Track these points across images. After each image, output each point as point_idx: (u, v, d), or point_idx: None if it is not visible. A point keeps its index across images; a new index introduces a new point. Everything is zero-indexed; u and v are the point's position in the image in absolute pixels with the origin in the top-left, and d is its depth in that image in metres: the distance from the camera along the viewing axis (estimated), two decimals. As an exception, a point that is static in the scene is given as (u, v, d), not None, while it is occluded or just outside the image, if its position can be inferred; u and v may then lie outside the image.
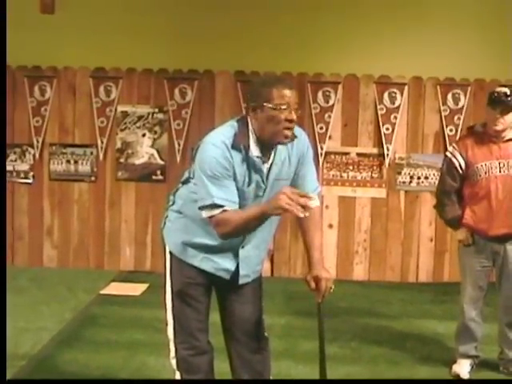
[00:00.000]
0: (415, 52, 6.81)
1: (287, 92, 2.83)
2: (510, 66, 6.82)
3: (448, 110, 6.89)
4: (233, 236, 2.90)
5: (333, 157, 7.00)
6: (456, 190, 4.25)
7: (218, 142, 2.87)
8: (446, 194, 4.29)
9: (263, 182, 2.96)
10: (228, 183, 2.85)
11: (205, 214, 2.87)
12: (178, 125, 6.98)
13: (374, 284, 6.89)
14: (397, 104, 6.92)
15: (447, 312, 5.56)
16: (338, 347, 4.81)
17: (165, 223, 3.27)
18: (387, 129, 6.90)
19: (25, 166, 7.13)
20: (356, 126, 7.00)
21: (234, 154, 2.86)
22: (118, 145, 7.11)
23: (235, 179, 2.88)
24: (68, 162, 7.15)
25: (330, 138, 6.96)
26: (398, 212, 7.03)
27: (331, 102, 6.95)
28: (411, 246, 7.04)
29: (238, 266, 3.10)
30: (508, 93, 4.07)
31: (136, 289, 6.36)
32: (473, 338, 4.34)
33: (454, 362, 4.39)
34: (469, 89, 6.87)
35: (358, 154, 6.98)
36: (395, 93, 6.90)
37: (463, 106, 6.88)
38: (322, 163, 6.96)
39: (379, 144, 6.95)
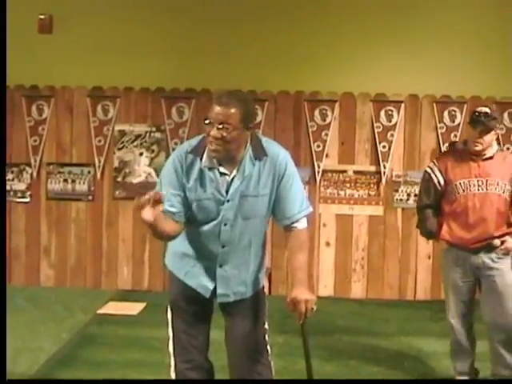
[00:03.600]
0: (411, 70, 6.85)
1: (216, 108, 2.87)
2: (506, 84, 6.86)
3: (444, 128, 6.92)
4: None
5: (330, 175, 7.01)
6: (433, 205, 4.29)
7: (176, 151, 3.08)
8: (422, 210, 4.34)
9: (221, 194, 2.99)
10: (171, 192, 2.97)
11: None
12: (176, 143, 6.99)
13: (371, 302, 6.88)
14: (393, 122, 6.94)
15: (445, 330, 5.53)
16: (336, 366, 4.80)
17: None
18: (384, 146, 6.92)
19: (22, 186, 7.13)
20: (353, 144, 7.02)
21: (189, 160, 3.00)
22: (116, 164, 7.12)
23: (187, 187, 2.99)
24: (65, 181, 7.15)
25: (327, 156, 6.98)
26: (396, 230, 7.03)
27: (328, 120, 6.97)
28: (409, 264, 7.03)
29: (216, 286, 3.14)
30: (488, 112, 4.10)
31: (133, 308, 6.33)
32: (467, 354, 4.31)
33: (453, 380, 4.36)
34: (465, 106, 6.90)
35: (355, 172, 6.99)
36: (392, 111, 6.93)
37: (459, 124, 6.90)
38: (319, 181, 6.98)
39: (376, 162, 6.96)
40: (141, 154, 7.11)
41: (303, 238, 3.14)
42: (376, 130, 6.95)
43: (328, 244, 7.07)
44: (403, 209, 7.00)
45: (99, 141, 7.08)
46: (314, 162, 6.92)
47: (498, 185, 4.13)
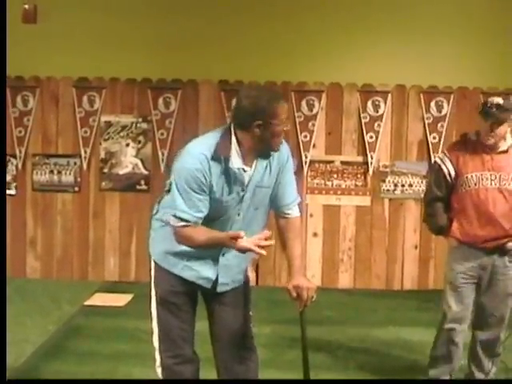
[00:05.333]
0: (398, 60, 6.85)
1: (286, 107, 2.99)
2: (493, 75, 6.87)
3: (431, 118, 6.93)
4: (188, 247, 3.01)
5: (317, 165, 7.01)
6: (443, 199, 4.03)
7: (196, 153, 2.93)
8: (432, 203, 4.07)
9: (243, 190, 3.01)
10: (198, 198, 2.91)
11: (171, 221, 2.96)
12: (162, 134, 6.96)
13: (359, 292, 6.89)
14: (380, 112, 6.94)
15: (432, 319, 5.53)
16: (324, 356, 4.80)
17: (150, 233, 3.27)
18: (371, 137, 6.92)
19: (7, 177, 7.07)
20: (340, 135, 7.02)
21: (212, 166, 2.91)
22: (102, 155, 7.08)
23: (212, 190, 2.93)
24: (51, 172, 7.10)
25: (314, 146, 6.97)
26: (383, 220, 7.04)
27: (315, 111, 6.96)
28: (396, 254, 7.05)
29: (218, 274, 3.11)
30: (501, 103, 3.86)
31: (120, 299, 6.31)
32: (448, 364, 4.08)
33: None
34: (452, 96, 6.91)
35: (342, 163, 6.99)
36: (379, 101, 6.93)
37: (446, 114, 6.91)
38: (306, 172, 6.97)
39: (363, 152, 6.96)
40: (127, 145, 7.07)
41: (299, 226, 3.23)
42: (363, 121, 6.94)
43: (315, 234, 7.07)
44: (390, 199, 7.01)
45: (85, 132, 7.03)
46: (301, 152, 6.91)
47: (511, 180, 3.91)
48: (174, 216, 2.93)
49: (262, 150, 3.00)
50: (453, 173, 3.97)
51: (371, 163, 6.92)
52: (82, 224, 7.16)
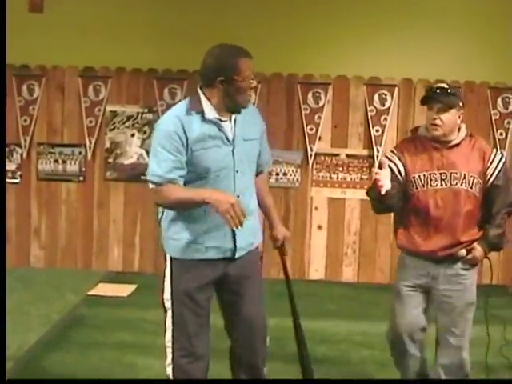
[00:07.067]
0: (406, 54, 6.82)
1: (252, 62, 3.05)
2: (500, 69, 6.84)
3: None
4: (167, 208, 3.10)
5: (322, 158, 6.98)
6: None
7: (169, 116, 3.08)
8: (382, 204, 3.57)
9: (229, 141, 3.07)
10: (171, 158, 2.97)
11: (149, 186, 3.09)
12: (168, 125, 6.94)
13: (363, 286, 6.88)
14: (387, 106, 6.91)
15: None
16: (327, 349, 4.80)
17: (162, 235, 3.26)
18: (377, 130, 6.89)
19: (12, 166, 7.07)
20: (346, 128, 6.99)
21: (188, 122, 3.00)
22: (107, 145, 7.07)
23: (196, 147, 3.00)
24: (56, 161, 7.10)
25: (319, 139, 6.95)
26: (388, 214, 6.99)
27: (321, 103, 6.94)
28: (400, 248, 7.03)
29: (235, 243, 3.13)
30: (446, 87, 3.47)
31: (124, 289, 6.32)
32: (415, 360, 3.74)
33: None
34: (460, 91, 6.86)
35: (348, 156, 6.97)
36: (385, 94, 6.90)
37: (453, 108, 6.87)
38: (312, 164, 6.95)
39: (369, 145, 6.94)
40: (132, 135, 7.06)
41: (268, 181, 3.56)
42: (369, 114, 6.92)
43: (320, 227, 7.06)
44: (395, 193, 6.98)
45: (90, 121, 7.02)
46: (306, 145, 6.89)
47: (464, 178, 3.46)
48: (148, 180, 3.07)
49: (230, 106, 3.04)
50: (403, 171, 3.53)
51: (377, 157, 6.89)
52: (87, 214, 7.15)
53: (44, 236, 7.17)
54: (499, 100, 6.87)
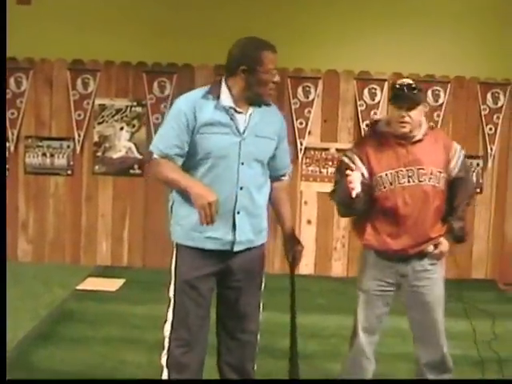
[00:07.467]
0: (396, 48, 6.81)
1: (275, 56, 3.11)
2: (489, 64, 6.85)
3: (428, 107, 6.85)
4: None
5: (312, 152, 6.97)
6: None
7: (186, 96, 3.15)
8: (349, 209, 3.50)
9: (239, 132, 3.08)
10: (174, 133, 3.06)
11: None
12: (157, 118, 6.91)
13: (352, 280, 6.77)
14: (377, 100, 6.91)
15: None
16: (317, 344, 4.80)
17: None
18: (367, 125, 6.88)
19: (-1, 159, 7.02)
20: (336, 122, 6.98)
21: (201, 104, 3.06)
22: (96, 138, 7.03)
23: (205, 128, 3.04)
24: (44, 155, 7.05)
25: (309, 133, 6.94)
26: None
27: (311, 98, 6.92)
28: (389, 243, 7.03)
29: (234, 236, 3.13)
30: (412, 84, 3.41)
31: (112, 284, 6.29)
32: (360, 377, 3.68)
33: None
34: (448, 86, 6.88)
35: (338, 150, 6.94)
36: (375, 89, 6.89)
37: (443, 103, 6.88)
38: (302, 159, 6.94)
39: (359, 140, 6.93)
40: (121, 129, 7.02)
41: (287, 190, 3.48)
42: (359, 108, 6.91)
43: (309, 222, 7.05)
44: (385, 188, 6.98)
45: (79, 115, 6.97)
46: (296, 139, 6.88)
47: (431, 174, 3.41)
48: (149, 149, 3.19)
49: (250, 97, 3.09)
50: (365, 172, 3.42)
51: (367, 151, 6.88)
52: (75, 208, 7.11)
53: (32, 230, 7.13)
54: (489, 95, 6.88)
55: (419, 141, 3.44)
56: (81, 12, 6.85)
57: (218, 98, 3.06)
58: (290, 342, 3.43)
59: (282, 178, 3.39)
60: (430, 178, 3.40)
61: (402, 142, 3.42)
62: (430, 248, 3.48)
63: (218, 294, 3.29)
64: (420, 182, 3.39)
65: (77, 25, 6.83)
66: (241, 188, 3.08)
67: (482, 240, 7.02)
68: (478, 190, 6.96)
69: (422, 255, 3.48)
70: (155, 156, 3.13)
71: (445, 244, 3.50)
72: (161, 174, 3.11)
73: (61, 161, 7.06)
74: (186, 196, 3.05)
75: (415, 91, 3.39)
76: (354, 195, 3.27)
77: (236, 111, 3.08)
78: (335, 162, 6.94)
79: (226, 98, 3.07)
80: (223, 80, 3.13)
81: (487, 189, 6.99)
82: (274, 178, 3.33)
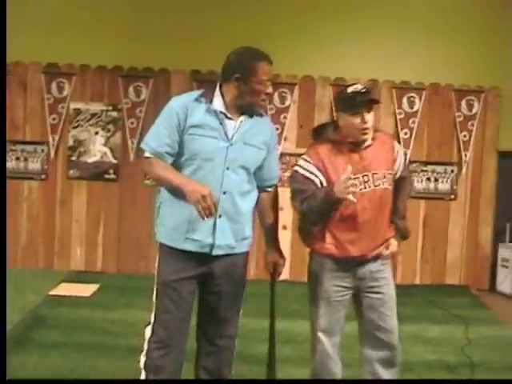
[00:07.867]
0: (372, 55, 6.87)
1: (270, 68, 3.15)
2: (465, 72, 6.92)
3: (403, 113, 6.95)
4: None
5: (288, 158, 6.98)
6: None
7: (180, 97, 3.19)
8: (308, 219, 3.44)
9: (227, 137, 3.11)
10: (165, 132, 3.10)
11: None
12: (132, 123, 6.88)
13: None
14: (352, 106, 6.93)
15: (402, 313, 5.58)
16: (292, 349, 4.79)
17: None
18: (311, 130, 6.90)
19: (-28, 163, 6.95)
20: (312, 128, 6.97)
21: (193, 106, 3.10)
22: (70, 142, 6.99)
23: (193, 130, 3.07)
24: (18, 159, 6.99)
25: (285, 139, 6.96)
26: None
27: (287, 103, 6.94)
28: (365, 249, 7.06)
29: (214, 239, 3.14)
30: (363, 88, 3.32)
31: (86, 289, 6.24)
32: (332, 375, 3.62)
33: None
34: (424, 93, 6.93)
35: (313, 156, 6.96)
36: (351, 95, 6.91)
37: (418, 110, 6.93)
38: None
39: (334, 146, 6.95)
40: (96, 133, 6.99)
41: (274, 201, 3.44)
42: (335, 114, 6.92)
43: (285, 227, 7.04)
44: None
45: (53, 119, 6.93)
46: (272, 145, 6.88)
47: (384, 177, 3.37)
48: (141, 146, 3.23)
49: (242, 105, 3.13)
50: (324, 180, 3.32)
51: (342, 157, 6.91)
52: (49, 212, 7.06)
53: (5, 235, 7.06)
54: (463, 102, 6.95)
55: (370, 145, 3.37)
56: (56, 15, 6.82)
57: (210, 102, 3.11)
58: (268, 347, 3.42)
59: (268, 189, 3.38)
60: (384, 182, 3.37)
61: (354, 148, 3.34)
62: (384, 249, 3.48)
63: (199, 300, 3.29)
64: (375, 186, 3.35)
65: (52, 28, 6.80)
66: (224, 192, 3.09)
67: (455, 246, 7.08)
68: (453, 197, 7.03)
69: (377, 257, 3.47)
70: (147, 154, 3.15)
71: (394, 244, 3.51)
72: (153, 172, 3.16)
73: (35, 165, 7.00)
74: (176, 195, 3.07)
75: (369, 95, 3.31)
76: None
77: (226, 117, 3.12)
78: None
79: (218, 103, 3.12)
80: (218, 85, 3.17)
81: (461, 195, 7.05)
82: (261, 188, 3.33)
